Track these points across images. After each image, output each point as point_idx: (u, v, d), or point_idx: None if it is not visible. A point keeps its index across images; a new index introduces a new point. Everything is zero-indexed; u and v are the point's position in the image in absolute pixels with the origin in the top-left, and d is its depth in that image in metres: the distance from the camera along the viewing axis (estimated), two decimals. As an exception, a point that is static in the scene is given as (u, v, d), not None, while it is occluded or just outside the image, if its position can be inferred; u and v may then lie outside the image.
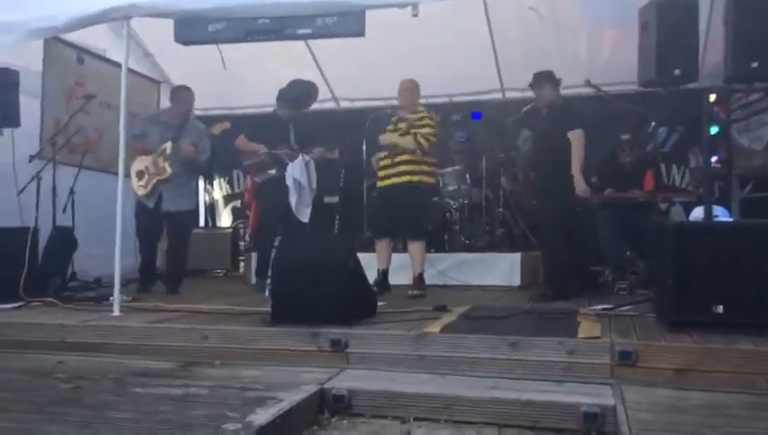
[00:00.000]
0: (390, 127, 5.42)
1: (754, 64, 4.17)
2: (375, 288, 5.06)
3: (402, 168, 5.29)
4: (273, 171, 5.79)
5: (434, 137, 5.29)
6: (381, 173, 5.42)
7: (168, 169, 5.50)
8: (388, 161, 5.33)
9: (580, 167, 4.98)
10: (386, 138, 5.32)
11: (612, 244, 5.64)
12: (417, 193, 5.36)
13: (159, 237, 5.89)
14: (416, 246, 5.37)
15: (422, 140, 5.21)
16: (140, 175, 5.63)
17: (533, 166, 5.04)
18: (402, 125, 5.34)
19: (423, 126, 5.27)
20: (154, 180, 5.57)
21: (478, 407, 2.90)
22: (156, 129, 5.73)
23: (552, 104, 5.14)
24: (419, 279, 5.35)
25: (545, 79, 5.13)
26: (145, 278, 5.81)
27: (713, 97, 5.45)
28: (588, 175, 6.03)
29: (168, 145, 5.53)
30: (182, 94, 5.88)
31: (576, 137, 4.98)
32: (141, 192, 5.62)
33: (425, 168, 5.38)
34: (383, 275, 5.46)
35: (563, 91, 6.09)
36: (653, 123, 5.50)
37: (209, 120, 8.04)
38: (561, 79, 5.20)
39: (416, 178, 5.30)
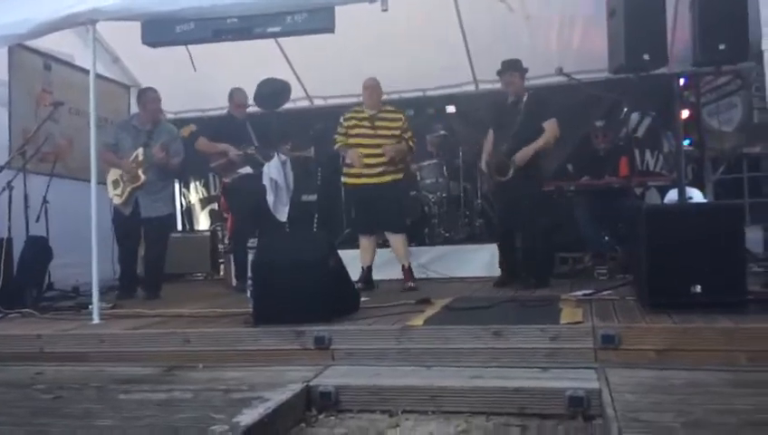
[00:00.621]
0: (366, 123, 5.38)
1: (722, 47, 4.25)
2: (359, 285, 5.06)
3: (384, 167, 5.33)
4: (241, 170, 5.75)
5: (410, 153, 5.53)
6: (363, 171, 5.38)
7: (142, 177, 5.48)
8: (372, 160, 5.33)
9: (537, 148, 4.96)
10: (394, 151, 5.32)
11: (590, 230, 5.71)
12: (398, 189, 5.46)
13: (138, 244, 5.87)
14: (399, 240, 5.42)
15: (412, 145, 5.45)
16: (116, 184, 5.63)
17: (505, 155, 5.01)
18: (382, 124, 5.37)
19: (407, 130, 5.44)
20: (129, 188, 5.56)
21: (465, 396, 2.91)
22: (127, 135, 5.70)
23: (519, 94, 5.11)
24: (410, 271, 5.42)
25: (514, 67, 5.11)
26: (125, 285, 5.78)
27: (682, 81, 5.55)
28: (563, 163, 6.12)
29: (140, 151, 5.51)
30: (148, 97, 5.80)
31: (551, 126, 4.99)
32: (117, 201, 5.61)
33: (401, 165, 5.48)
34: (367, 271, 5.48)
35: (536, 81, 6.16)
36: (625, 109, 5.57)
37: (182, 123, 8.03)
38: (528, 68, 5.20)
39: (398, 175, 5.43)
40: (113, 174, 5.64)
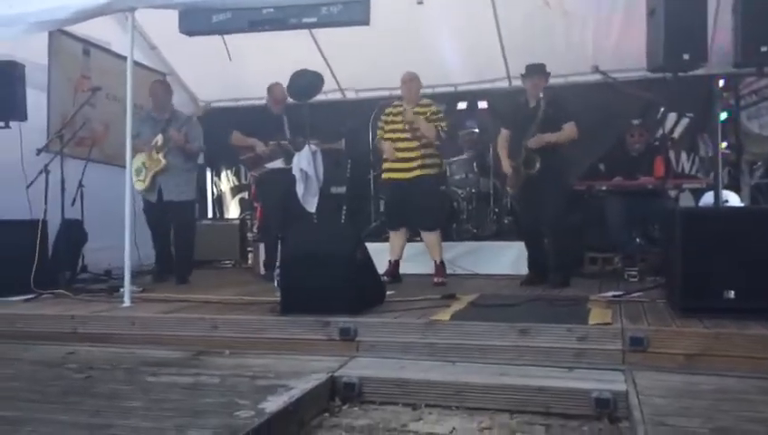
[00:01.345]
0: (399, 118, 5.38)
1: (764, 49, 4.14)
2: (385, 278, 5.06)
3: (419, 162, 5.29)
4: (270, 165, 5.81)
5: (440, 131, 5.31)
6: (394, 166, 5.38)
7: (163, 160, 5.67)
8: (405, 154, 5.31)
9: (551, 140, 4.93)
10: (413, 116, 5.26)
11: (621, 231, 5.62)
12: (431, 184, 5.41)
13: (170, 229, 6.01)
14: (432, 237, 5.41)
15: (442, 134, 5.29)
16: (138, 171, 5.73)
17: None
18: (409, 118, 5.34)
19: (439, 120, 5.32)
20: (151, 173, 5.73)
21: (489, 393, 2.90)
22: (147, 127, 5.83)
23: (539, 97, 5.07)
24: (441, 267, 5.41)
25: (540, 72, 5.10)
26: (161, 269, 5.99)
27: (722, 82, 5.43)
28: (595, 162, 6.04)
29: (159, 137, 5.71)
30: (154, 89, 5.96)
31: (570, 127, 4.97)
32: (140, 187, 5.76)
33: (436, 160, 5.42)
34: (395, 265, 5.47)
35: (572, 79, 6.10)
36: (662, 109, 5.46)
37: (215, 112, 8.13)
38: (550, 72, 5.18)
39: (432, 170, 5.36)
40: (136, 162, 5.68)
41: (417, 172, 5.30)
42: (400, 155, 5.33)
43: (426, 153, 5.32)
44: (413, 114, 5.26)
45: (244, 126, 5.97)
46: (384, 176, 5.55)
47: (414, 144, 5.29)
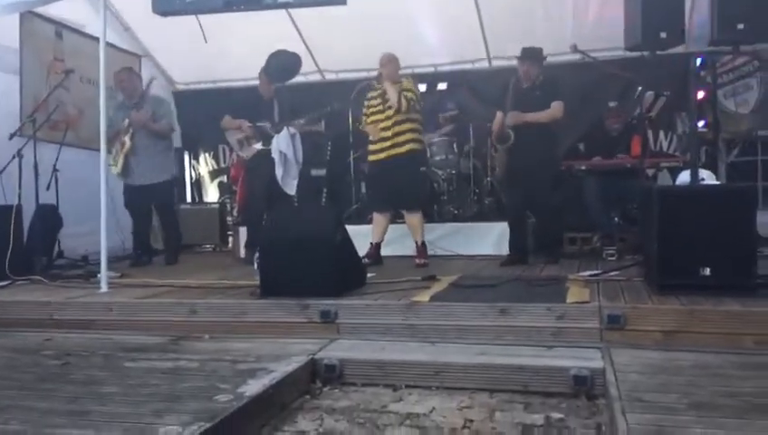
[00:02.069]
0: (378, 100, 5.35)
1: (740, 27, 4.16)
2: (366, 260, 5.06)
3: (404, 136, 5.25)
4: (258, 146, 5.78)
5: (415, 102, 5.26)
6: (377, 146, 5.35)
7: (128, 142, 5.78)
8: (388, 133, 5.28)
9: (531, 118, 5.02)
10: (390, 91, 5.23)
11: (600, 210, 5.65)
12: (416, 162, 5.40)
13: (148, 211, 6.11)
14: (416, 217, 5.40)
15: (403, 100, 5.18)
16: (114, 156, 5.80)
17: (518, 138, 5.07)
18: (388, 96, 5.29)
19: (407, 90, 5.25)
20: (121, 156, 5.82)
21: (469, 373, 2.92)
22: (120, 112, 5.89)
23: (534, 80, 5.16)
24: (423, 248, 5.41)
25: (533, 57, 5.14)
26: (139, 253, 6.01)
27: (699, 61, 5.45)
28: (574, 142, 6.07)
29: (126, 121, 5.82)
30: (117, 77, 5.95)
31: (557, 107, 5.04)
32: (114, 171, 5.80)
33: (418, 135, 5.38)
34: (376, 247, 5.45)
35: (551, 59, 6.07)
36: (639, 88, 5.48)
37: (193, 94, 8.03)
38: (546, 56, 5.24)
39: (415, 145, 5.32)
40: (112, 148, 5.76)
41: (400, 149, 5.26)
42: (383, 134, 5.30)
43: (406, 128, 5.26)
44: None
45: (235, 110, 5.95)
46: (369, 158, 5.53)
47: (393, 121, 5.24)
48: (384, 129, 5.29)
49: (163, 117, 5.96)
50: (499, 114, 5.26)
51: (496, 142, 5.13)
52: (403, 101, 5.17)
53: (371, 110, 5.43)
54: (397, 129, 5.25)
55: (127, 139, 5.77)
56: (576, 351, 3.07)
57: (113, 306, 3.96)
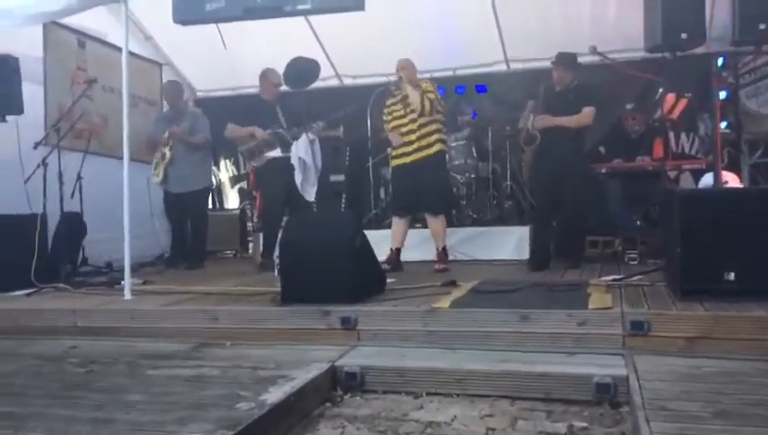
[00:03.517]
0: (398, 106, 5.38)
1: (762, 27, 4.11)
2: (386, 266, 5.06)
3: (431, 138, 5.29)
4: (271, 154, 5.80)
5: (437, 103, 5.30)
6: (401, 150, 5.37)
7: (168, 153, 6.22)
8: (412, 136, 5.30)
9: (559, 123, 5.06)
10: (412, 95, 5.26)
11: (622, 213, 5.62)
12: (443, 163, 5.48)
13: (183, 217, 6.49)
14: (439, 221, 5.40)
15: (426, 102, 5.21)
16: (155, 166, 6.35)
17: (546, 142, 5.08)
18: (408, 100, 5.32)
19: (430, 92, 5.28)
20: (162, 166, 6.29)
21: (490, 380, 2.90)
22: (162, 125, 6.41)
23: (567, 85, 5.19)
24: (444, 253, 5.40)
25: (568, 62, 5.18)
26: (173, 255, 6.48)
27: (721, 61, 5.39)
28: (595, 145, 6.03)
29: (166, 133, 6.28)
30: (166, 90, 6.61)
31: (588, 113, 5.06)
32: (155, 181, 6.33)
33: (443, 136, 5.44)
34: (396, 253, 5.44)
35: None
36: (660, 90, 5.43)
37: (211, 102, 8.09)
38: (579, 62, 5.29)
39: (443, 146, 5.41)
40: (154, 158, 6.37)
41: (423, 153, 5.29)
42: (407, 138, 5.32)
43: (433, 129, 5.30)
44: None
45: (237, 117, 5.96)
46: (393, 163, 5.56)
47: (418, 124, 5.27)
48: (408, 132, 5.30)
49: (200, 131, 6.34)
50: (531, 104, 5.27)
51: (523, 144, 5.14)
52: (426, 103, 5.19)
53: (393, 115, 5.45)
54: (422, 131, 5.28)
55: (167, 150, 6.23)
56: (598, 358, 3.04)
57: (136, 314, 4.01)
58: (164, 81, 7.28)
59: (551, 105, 5.14)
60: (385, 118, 5.55)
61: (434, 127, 5.30)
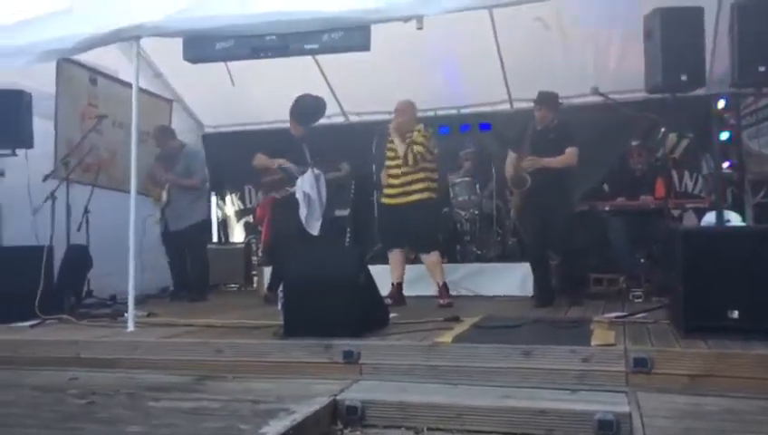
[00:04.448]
0: (392, 147, 5.46)
1: (762, 69, 4.17)
2: (389, 301, 5.06)
3: (413, 186, 5.33)
4: (291, 188, 5.87)
5: (426, 153, 5.32)
6: (390, 191, 5.45)
7: (164, 197, 6.48)
8: (396, 181, 5.37)
9: (547, 163, 5.08)
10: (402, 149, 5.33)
11: (625, 251, 5.62)
12: (427, 209, 5.41)
13: (183, 252, 6.62)
14: (431, 259, 5.41)
15: (410, 156, 5.27)
16: (154, 205, 6.52)
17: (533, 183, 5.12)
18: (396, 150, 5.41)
19: (414, 143, 5.31)
20: (158, 208, 6.53)
21: (491, 416, 2.88)
22: (160, 165, 6.65)
23: (548, 124, 5.24)
24: (445, 288, 5.40)
25: (546, 102, 5.24)
26: (176, 289, 6.69)
27: (722, 102, 5.45)
28: (598, 183, 6.07)
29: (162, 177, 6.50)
30: (154, 135, 6.73)
31: (571, 153, 5.11)
32: (154, 221, 6.48)
33: (429, 184, 5.41)
34: (398, 287, 5.46)
35: (573, 101, 6.15)
36: (662, 130, 5.48)
37: (220, 137, 8.20)
38: (562, 102, 5.37)
39: (425, 194, 5.36)
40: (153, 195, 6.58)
41: (412, 198, 5.33)
42: (392, 181, 5.41)
43: (416, 178, 5.33)
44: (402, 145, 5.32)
45: (268, 149, 6.07)
46: (382, 200, 5.66)
47: (402, 171, 5.35)
48: (393, 176, 5.40)
49: (196, 171, 6.57)
50: (511, 155, 5.31)
51: (512, 186, 5.16)
52: (410, 157, 5.27)
53: (387, 155, 5.54)
54: (406, 178, 5.35)
55: (164, 194, 6.45)
56: (601, 395, 3.02)
57: (139, 346, 4.01)
58: (174, 116, 7.41)
59: (534, 144, 5.18)
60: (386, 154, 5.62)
61: (419, 176, 5.32)
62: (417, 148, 5.28)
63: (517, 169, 5.18)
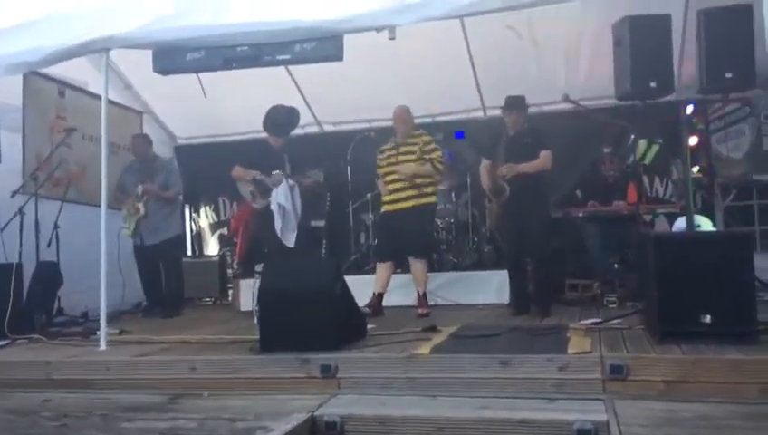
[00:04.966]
0: (392, 152, 5.44)
1: (728, 75, 4.24)
2: (367, 310, 5.04)
3: (410, 191, 5.34)
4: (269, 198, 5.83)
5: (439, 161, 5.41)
6: (389, 198, 5.43)
7: (142, 209, 6.24)
8: (398, 185, 5.36)
9: (523, 169, 5.06)
10: (405, 169, 5.32)
11: (599, 257, 5.67)
12: (425, 213, 5.46)
13: (157, 267, 6.43)
14: (420, 266, 5.42)
15: (438, 166, 5.38)
16: (125, 219, 6.30)
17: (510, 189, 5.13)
18: (405, 149, 5.39)
19: (432, 150, 5.38)
20: (134, 220, 6.27)
21: (470, 428, 2.88)
22: (132, 176, 6.41)
23: (519, 128, 5.23)
24: (424, 298, 5.42)
25: (515, 106, 5.23)
26: (150, 304, 6.52)
27: (690, 108, 5.54)
28: (571, 189, 6.12)
29: (140, 187, 6.25)
30: (133, 143, 6.59)
31: (546, 157, 5.10)
32: (126, 233, 6.28)
33: (430, 188, 5.46)
34: (378, 298, 5.42)
35: (544, 108, 6.21)
36: (633, 136, 5.56)
37: (191, 149, 8.12)
38: (528, 106, 5.36)
39: (423, 199, 5.40)
40: (123, 210, 6.31)
41: (411, 202, 5.34)
42: (392, 186, 5.38)
43: (420, 183, 5.36)
44: (402, 168, 5.32)
45: (245, 161, 6.01)
46: (382, 209, 5.61)
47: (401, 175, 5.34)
48: (397, 180, 5.36)
49: (173, 185, 6.44)
50: (485, 163, 5.33)
51: (492, 195, 5.15)
52: (438, 166, 5.35)
53: (385, 161, 5.50)
54: (409, 182, 5.32)
55: (141, 205, 6.23)
56: (579, 403, 3.03)
57: (111, 365, 3.93)
58: (144, 128, 7.30)
59: (509, 151, 5.17)
60: (377, 163, 5.59)
61: (412, 182, 5.35)
62: (435, 154, 5.36)
63: (493, 178, 5.17)
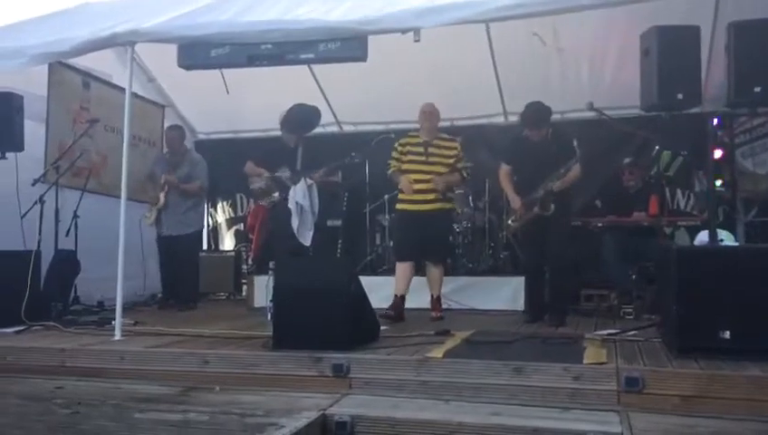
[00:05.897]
0: (419, 149, 5.35)
1: (757, 89, 4.17)
2: (390, 312, 5.01)
3: (434, 194, 5.27)
4: (276, 195, 5.84)
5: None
6: (411, 197, 5.30)
7: (162, 199, 6.35)
8: (423, 186, 5.27)
9: (560, 186, 4.97)
10: (441, 186, 5.26)
11: (617, 268, 5.61)
12: (446, 218, 5.47)
13: (174, 259, 6.46)
14: (439, 270, 5.39)
15: (465, 176, 5.43)
16: (149, 208, 6.44)
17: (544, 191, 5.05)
18: (436, 152, 5.32)
19: (461, 159, 5.39)
20: (155, 210, 6.41)
21: (482, 433, 2.85)
22: (160, 167, 6.54)
23: (545, 136, 5.14)
24: (438, 301, 5.39)
25: (547, 120, 5.12)
26: (165, 295, 6.58)
27: (716, 121, 5.46)
28: (591, 198, 6.06)
29: (162, 178, 6.37)
30: (166, 134, 6.77)
31: (576, 170, 5.00)
32: (147, 222, 6.43)
33: (450, 193, 5.44)
34: (400, 300, 5.25)
35: (567, 116, 6.16)
36: (656, 147, 5.50)
37: (213, 144, 8.16)
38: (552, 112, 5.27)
39: (449, 204, 5.43)
40: (148, 198, 6.49)
41: (436, 205, 5.28)
42: (418, 187, 5.27)
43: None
44: (440, 181, 5.26)
45: (258, 156, 6.06)
46: (398, 206, 5.48)
47: (430, 177, 5.26)
48: (422, 181, 5.26)
49: (197, 178, 6.44)
50: (504, 168, 5.28)
51: (541, 211, 5.01)
52: (465, 176, 5.41)
53: (409, 157, 5.37)
54: (432, 184, 5.27)
55: (162, 196, 6.34)
56: (593, 414, 3.00)
57: (125, 355, 3.95)
58: (165, 122, 7.36)
59: (536, 157, 5.07)
60: (396, 156, 5.44)
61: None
62: (463, 164, 5.38)
63: (544, 191, 4.98)
